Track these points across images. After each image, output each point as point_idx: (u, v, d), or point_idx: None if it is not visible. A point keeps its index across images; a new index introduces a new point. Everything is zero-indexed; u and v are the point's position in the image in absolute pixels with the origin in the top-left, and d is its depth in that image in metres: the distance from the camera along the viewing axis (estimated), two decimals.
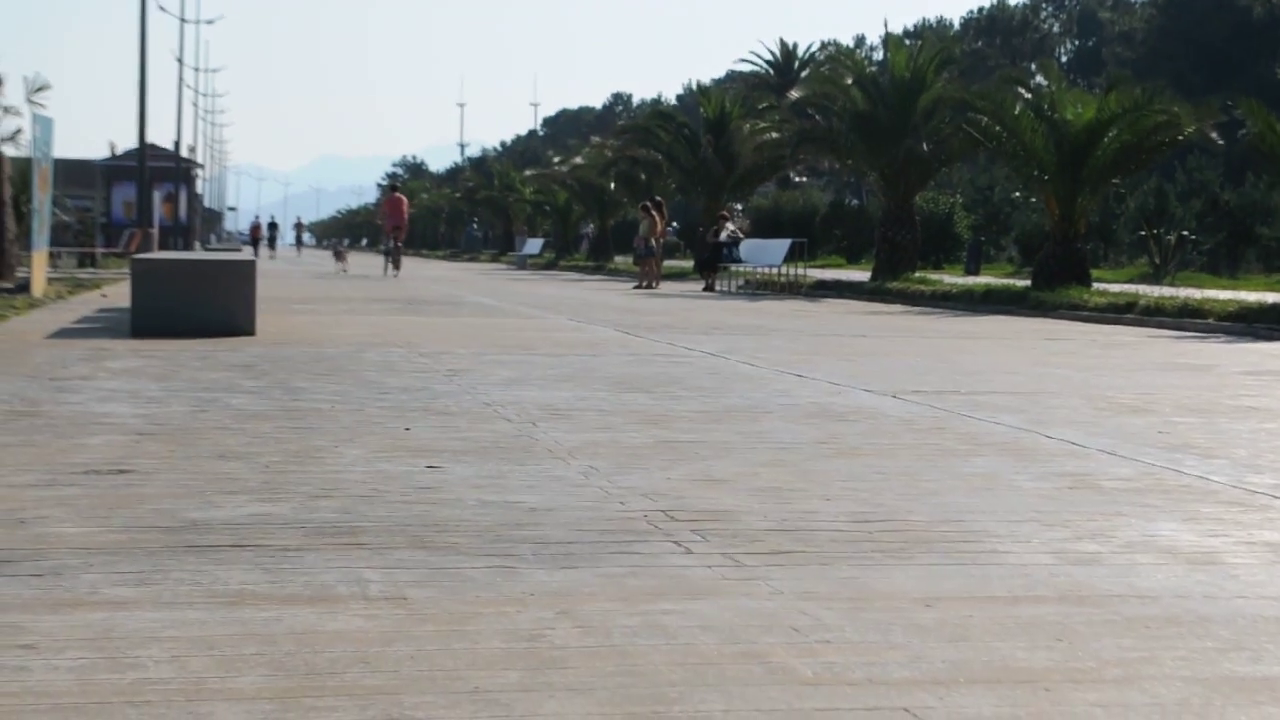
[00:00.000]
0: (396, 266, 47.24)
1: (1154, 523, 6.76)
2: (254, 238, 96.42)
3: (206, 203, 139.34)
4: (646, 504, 6.93)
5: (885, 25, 63.17)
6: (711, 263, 41.73)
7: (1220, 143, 33.93)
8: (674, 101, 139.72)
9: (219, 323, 17.56)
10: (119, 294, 26.22)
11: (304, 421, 9.77)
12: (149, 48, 54.96)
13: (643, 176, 60.26)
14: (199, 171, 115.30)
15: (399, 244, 48.05)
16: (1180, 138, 32.96)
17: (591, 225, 74.64)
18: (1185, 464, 8.58)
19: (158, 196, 75.60)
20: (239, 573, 5.37)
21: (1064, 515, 6.88)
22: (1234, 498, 7.51)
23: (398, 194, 49.87)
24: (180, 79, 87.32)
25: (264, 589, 5.15)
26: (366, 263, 67.72)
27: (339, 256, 59.17)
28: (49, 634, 4.54)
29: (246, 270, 18.46)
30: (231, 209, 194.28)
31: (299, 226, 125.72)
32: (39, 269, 26.97)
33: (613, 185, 65.67)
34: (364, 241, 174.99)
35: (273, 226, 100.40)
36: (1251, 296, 28.99)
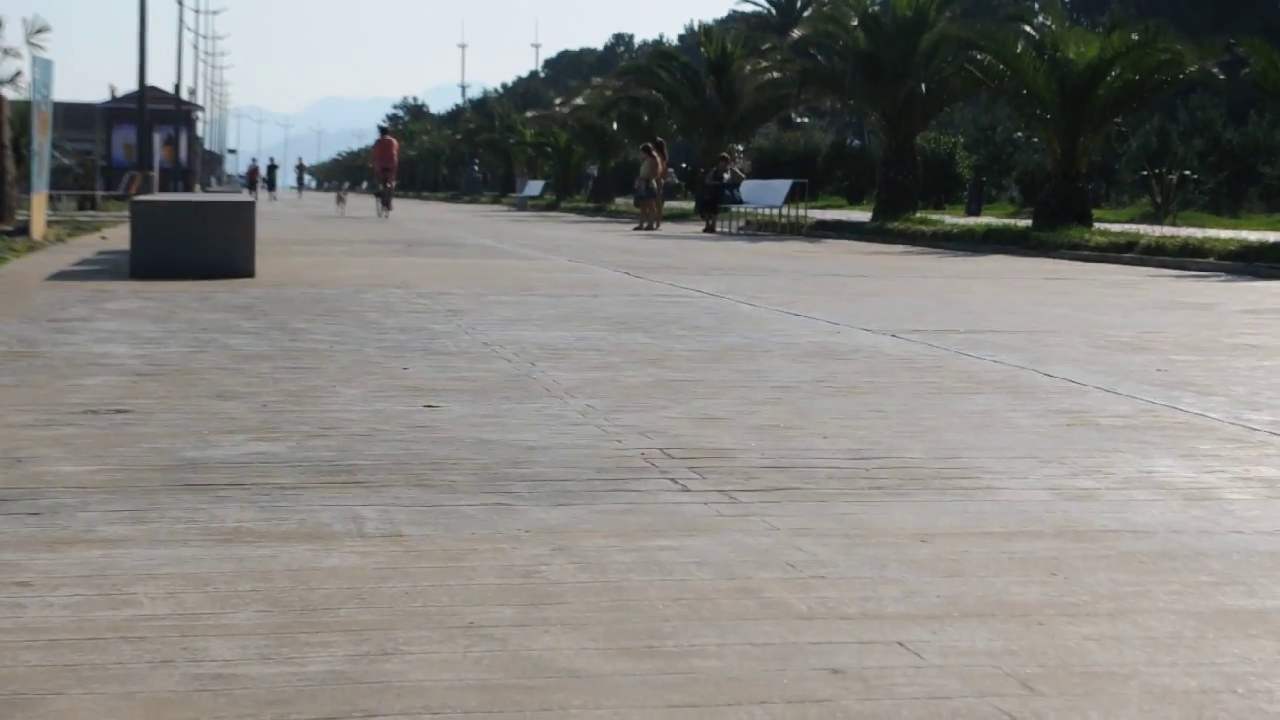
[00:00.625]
0: (387, 207, 48.72)
1: (1151, 459, 6.76)
2: (251, 180, 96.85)
3: (207, 145, 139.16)
4: (644, 442, 6.93)
5: None
6: (712, 204, 41.67)
7: (1223, 79, 33.86)
8: (675, 42, 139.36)
9: (218, 264, 17.54)
10: (118, 236, 26.18)
11: (302, 362, 9.77)
12: None
13: (645, 118, 60.11)
14: (199, 114, 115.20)
15: (389, 185, 49.39)
16: (1182, 76, 32.93)
17: (595, 166, 74.47)
18: (1183, 401, 8.58)
19: (158, 139, 75.47)
20: (235, 510, 5.38)
21: (1061, 452, 6.88)
22: (1231, 434, 7.51)
23: (388, 136, 51.02)
24: (180, 21, 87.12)
25: (260, 527, 5.16)
26: (366, 204, 67.67)
27: (340, 200, 60.00)
28: (45, 571, 4.54)
29: (246, 212, 18.43)
30: (232, 151, 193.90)
31: (300, 169, 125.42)
32: (39, 212, 26.94)
33: (615, 126, 65.51)
34: (364, 184, 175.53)
35: (272, 169, 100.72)
36: (1253, 235, 28.98)
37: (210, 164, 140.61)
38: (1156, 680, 3.74)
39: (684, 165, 79.47)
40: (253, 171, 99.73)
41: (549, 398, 8.32)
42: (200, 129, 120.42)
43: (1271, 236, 28.12)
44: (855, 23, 40.20)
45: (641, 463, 6.43)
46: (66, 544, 4.88)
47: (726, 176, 41.51)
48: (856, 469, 6.39)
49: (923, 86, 38.63)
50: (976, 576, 4.68)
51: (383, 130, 52.95)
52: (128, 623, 4.04)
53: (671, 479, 6.09)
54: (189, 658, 3.77)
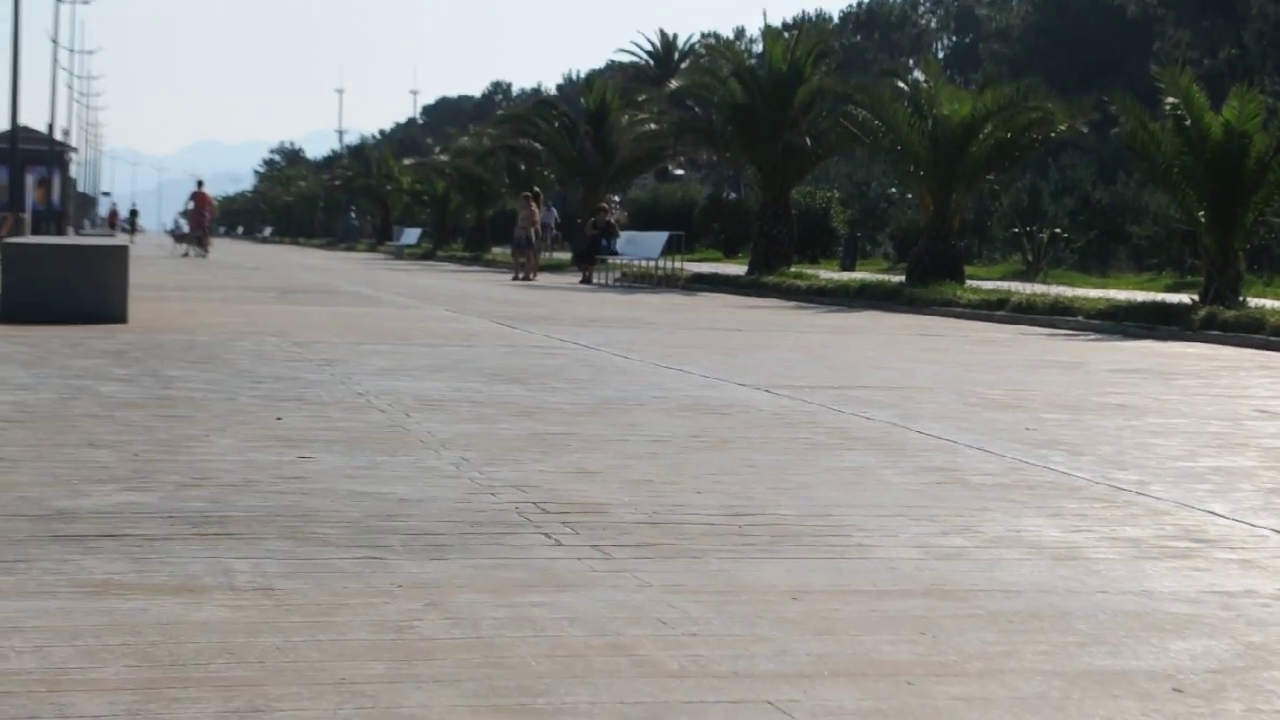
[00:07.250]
0: (205, 250, 55.32)
1: (1019, 518, 6.84)
2: (112, 223, 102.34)
3: (80, 187, 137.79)
4: (518, 496, 6.93)
5: (765, 16, 63.16)
6: (589, 255, 41.73)
7: (1092, 138, 34.32)
8: (554, 91, 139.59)
9: (91, 309, 17.37)
10: None
11: (175, 410, 9.70)
12: (22, 27, 54.41)
13: (523, 167, 60.02)
14: (73, 155, 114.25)
15: (207, 230, 57.91)
16: (1053, 134, 33.30)
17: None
18: (1052, 460, 8.69)
19: (30, 180, 74.79)
20: (105, 562, 5.33)
21: (931, 510, 6.95)
22: (1098, 494, 7.61)
23: (203, 190, 57.48)
24: (55, 60, 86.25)
25: (130, 579, 5.12)
26: (237, 249, 67.27)
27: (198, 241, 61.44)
28: None
29: (119, 256, 18.27)
30: (106, 194, 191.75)
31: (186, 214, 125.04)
32: None
33: (504, 177, 65.19)
34: (239, 230, 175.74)
35: (133, 214, 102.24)
36: (1121, 294, 29.35)
37: (84, 206, 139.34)
38: None
39: (555, 213, 79.16)
40: (113, 215, 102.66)
41: (423, 450, 8.30)
42: (74, 170, 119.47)
43: (1139, 296, 28.50)
44: (730, 74, 40.38)
45: (515, 517, 6.43)
46: None
47: (591, 225, 41.59)
48: (729, 525, 6.42)
49: (799, 140, 38.81)
50: (847, 635, 4.72)
51: (199, 183, 58.62)
52: None
53: (545, 534, 6.10)
54: (56, 713, 3.73)
